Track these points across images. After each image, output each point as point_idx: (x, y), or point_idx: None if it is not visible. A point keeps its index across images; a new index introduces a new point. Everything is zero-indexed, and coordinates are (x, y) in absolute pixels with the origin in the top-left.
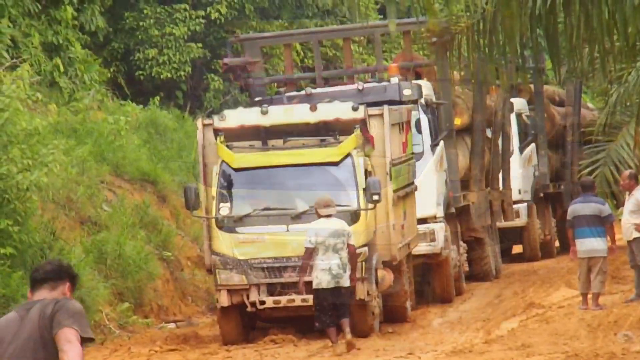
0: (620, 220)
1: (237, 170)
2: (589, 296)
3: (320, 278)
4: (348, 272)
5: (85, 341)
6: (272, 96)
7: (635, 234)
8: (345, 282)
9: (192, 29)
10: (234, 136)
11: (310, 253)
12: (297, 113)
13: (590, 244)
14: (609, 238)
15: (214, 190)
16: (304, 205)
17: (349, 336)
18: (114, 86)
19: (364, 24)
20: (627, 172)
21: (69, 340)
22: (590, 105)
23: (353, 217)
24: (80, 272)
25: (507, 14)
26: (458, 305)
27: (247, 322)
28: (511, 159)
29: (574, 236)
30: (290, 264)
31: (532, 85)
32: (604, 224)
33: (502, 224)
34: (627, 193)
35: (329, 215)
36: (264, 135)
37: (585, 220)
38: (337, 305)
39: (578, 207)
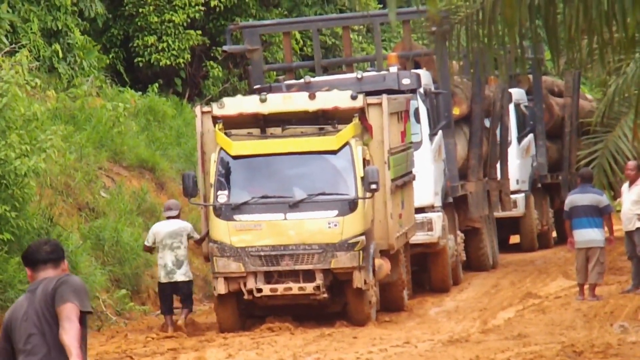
0: (618, 211)
1: (235, 157)
2: (586, 287)
3: (159, 273)
4: (185, 269)
5: (84, 314)
6: (271, 84)
7: (638, 224)
8: (179, 277)
9: (191, 16)
10: (232, 124)
11: (147, 250)
12: (295, 101)
13: (587, 235)
14: (606, 229)
15: (212, 178)
16: (302, 193)
17: (180, 321)
18: (112, 73)
19: (364, 12)
20: (633, 163)
21: (68, 318)
22: (588, 96)
23: (351, 205)
24: (78, 258)
25: (506, 3)
26: (455, 295)
27: (244, 310)
28: (509, 149)
29: (572, 227)
30: (288, 252)
31: (530, 76)
32: (601, 215)
33: (499, 214)
34: (628, 184)
35: (170, 217)
36: (262, 123)
37: (583, 210)
38: (180, 297)
39: (576, 198)
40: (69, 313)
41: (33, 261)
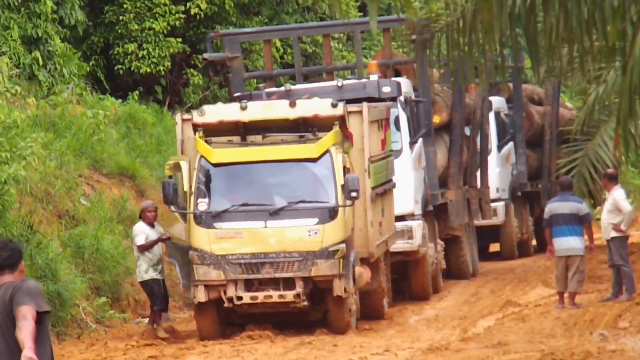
0: (598, 219)
1: (215, 165)
2: (566, 295)
3: None
4: (138, 270)
5: (42, 314)
6: (252, 92)
7: (614, 234)
8: (138, 278)
9: (172, 23)
10: (212, 131)
11: None
12: (276, 109)
13: (567, 243)
14: (586, 237)
15: (192, 186)
16: (282, 201)
17: (160, 333)
18: (93, 80)
19: (344, 20)
20: (604, 172)
21: (24, 317)
22: (568, 104)
23: (331, 213)
24: (57, 266)
25: (484, 8)
26: (435, 303)
27: (224, 318)
28: (489, 157)
29: (552, 235)
30: (268, 260)
31: (511, 84)
32: (581, 223)
33: (479, 222)
34: (607, 192)
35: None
36: (242, 130)
37: (563, 219)
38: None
39: (556, 206)
40: (24, 313)
41: None
